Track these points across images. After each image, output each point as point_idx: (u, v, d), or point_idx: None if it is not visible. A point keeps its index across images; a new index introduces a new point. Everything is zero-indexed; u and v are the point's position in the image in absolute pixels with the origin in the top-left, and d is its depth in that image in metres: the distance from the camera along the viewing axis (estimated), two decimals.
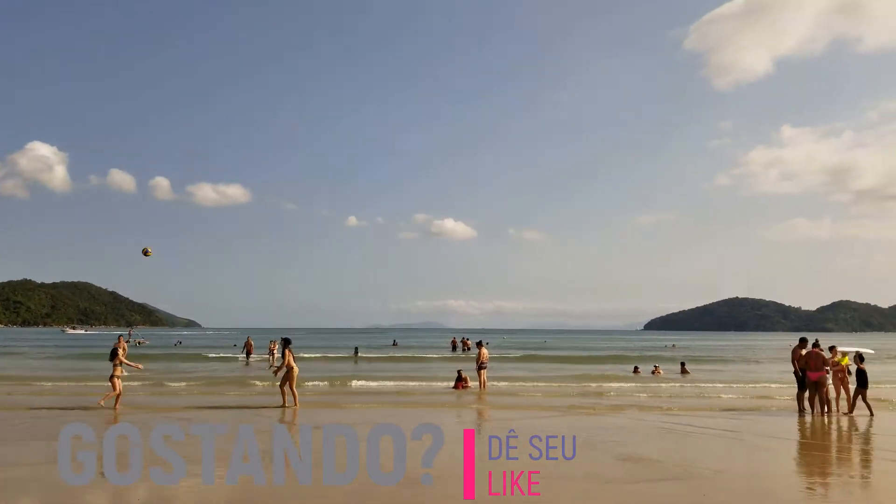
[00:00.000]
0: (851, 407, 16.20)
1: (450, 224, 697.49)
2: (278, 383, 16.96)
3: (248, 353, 40.26)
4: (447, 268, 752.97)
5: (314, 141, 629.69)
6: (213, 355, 43.53)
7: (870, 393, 16.25)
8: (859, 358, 16.21)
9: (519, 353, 49.39)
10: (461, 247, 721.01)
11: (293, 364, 16.55)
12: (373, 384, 23.79)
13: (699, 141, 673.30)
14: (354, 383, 23.93)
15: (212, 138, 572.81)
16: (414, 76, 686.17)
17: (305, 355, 40.30)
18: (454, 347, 55.79)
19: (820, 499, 8.38)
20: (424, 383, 24.36)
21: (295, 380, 16.62)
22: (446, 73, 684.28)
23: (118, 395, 16.34)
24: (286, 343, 16.96)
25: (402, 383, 24.22)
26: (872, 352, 16.70)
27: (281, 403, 16.53)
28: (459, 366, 26.26)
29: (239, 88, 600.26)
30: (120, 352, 16.61)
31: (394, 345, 68.83)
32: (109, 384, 16.50)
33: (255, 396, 19.48)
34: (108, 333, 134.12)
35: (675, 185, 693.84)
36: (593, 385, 24.35)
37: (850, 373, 17.12)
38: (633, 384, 24.85)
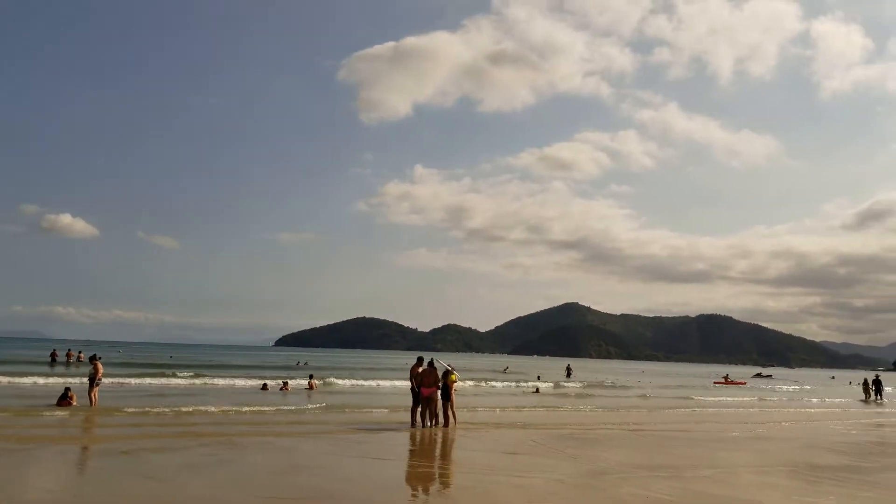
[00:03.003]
0: (453, 417, 18.11)
1: (66, 220, 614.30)
2: None
3: None
4: (57, 269, 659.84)
5: None
6: None
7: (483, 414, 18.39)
8: (445, 374, 18.21)
9: (147, 370, 44.99)
10: (78, 247, 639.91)
11: None
12: None
13: (344, 168, 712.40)
14: None
15: None
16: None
17: None
18: (54, 360, 49.43)
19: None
20: None
21: None
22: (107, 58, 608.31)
23: None
24: None
25: None
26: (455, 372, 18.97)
27: None
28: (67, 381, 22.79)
29: None
30: None
31: None
32: None
33: None
34: None
35: (320, 206, 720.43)
36: (228, 405, 23.16)
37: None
38: (263, 401, 24.41)
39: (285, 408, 22.27)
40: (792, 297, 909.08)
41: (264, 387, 31.12)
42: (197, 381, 35.13)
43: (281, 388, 30.70)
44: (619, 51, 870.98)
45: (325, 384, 35.49)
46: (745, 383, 64.53)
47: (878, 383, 41.91)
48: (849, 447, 17.03)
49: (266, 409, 21.43)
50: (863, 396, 42.67)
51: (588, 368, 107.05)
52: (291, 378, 35.14)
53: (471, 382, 40.74)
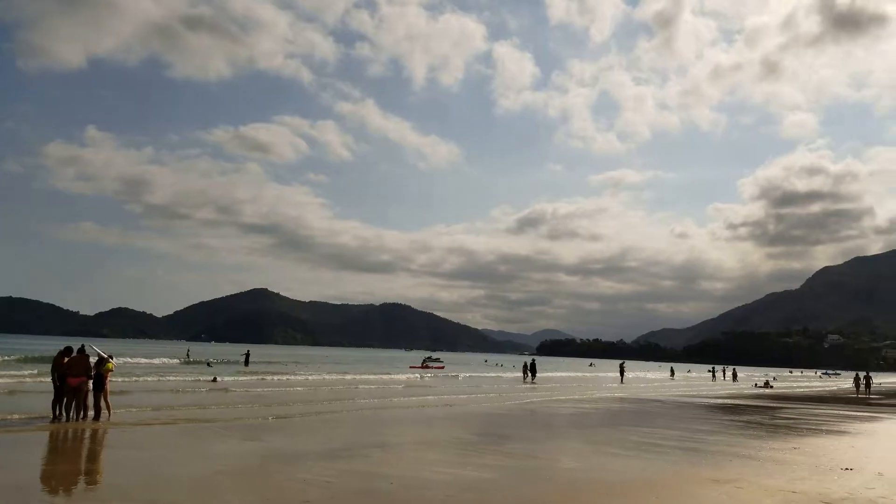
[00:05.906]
0: (108, 409, 16.32)
1: None
2: None
3: None
4: None
5: None
6: None
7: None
8: (100, 362, 16.50)
9: None
10: None
11: None
12: None
13: None
14: None
15: None
16: None
17: None
18: None
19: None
20: None
21: None
22: None
23: None
24: None
25: None
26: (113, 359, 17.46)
27: None
28: None
29: None
30: None
31: None
32: None
33: None
34: None
35: None
36: None
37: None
38: None
39: None
40: (461, 290, 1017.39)
41: None
42: None
43: None
44: (322, 38, 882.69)
45: None
46: (443, 367, 69.35)
47: (533, 366, 48.61)
48: (501, 421, 19.50)
49: None
50: (521, 378, 49.10)
51: (272, 355, 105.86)
52: None
53: (132, 376, 37.44)
